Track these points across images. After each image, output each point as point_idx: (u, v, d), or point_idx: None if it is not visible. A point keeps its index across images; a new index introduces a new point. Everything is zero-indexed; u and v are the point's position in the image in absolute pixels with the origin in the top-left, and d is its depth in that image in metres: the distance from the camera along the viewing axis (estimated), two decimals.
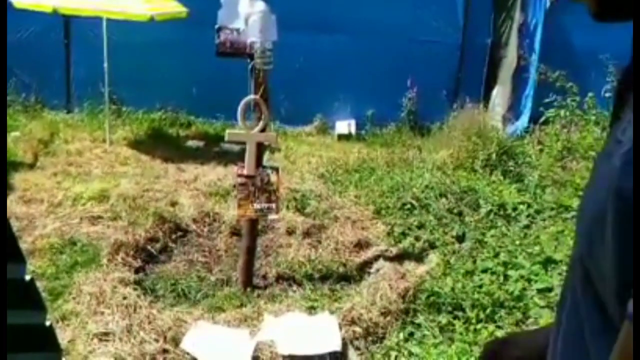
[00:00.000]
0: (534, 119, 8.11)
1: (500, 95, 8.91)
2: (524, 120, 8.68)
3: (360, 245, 4.55)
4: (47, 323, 2.51)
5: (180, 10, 6.67)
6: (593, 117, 6.98)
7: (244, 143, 3.90)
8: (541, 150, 6.14)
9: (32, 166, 6.14)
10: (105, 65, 6.56)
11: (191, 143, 7.47)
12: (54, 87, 7.86)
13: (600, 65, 7.18)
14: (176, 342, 3.19)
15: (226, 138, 3.91)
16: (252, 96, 3.76)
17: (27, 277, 2.22)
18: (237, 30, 3.74)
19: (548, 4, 8.52)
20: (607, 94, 7.15)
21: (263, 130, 3.85)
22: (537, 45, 8.63)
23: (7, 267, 2.10)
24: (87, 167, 6.24)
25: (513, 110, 8.76)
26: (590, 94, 7.16)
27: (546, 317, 3.09)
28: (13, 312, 2.31)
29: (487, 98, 8.81)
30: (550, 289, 3.34)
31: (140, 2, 6.12)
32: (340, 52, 8.10)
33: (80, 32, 7.60)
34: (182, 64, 7.67)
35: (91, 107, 7.73)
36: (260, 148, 3.94)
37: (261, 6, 3.69)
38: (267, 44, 3.70)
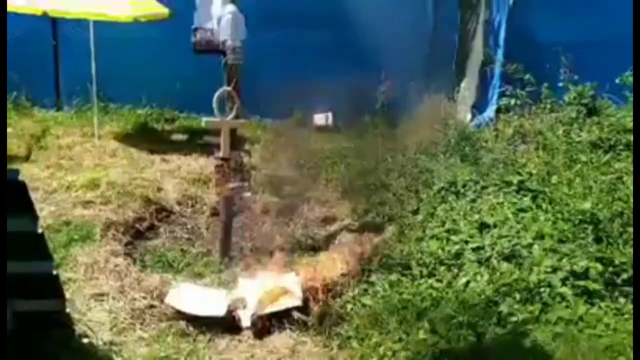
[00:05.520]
0: (500, 110, 8.64)
1: (468, 88, 9.37)
2: (490, 112, 9.16)
3: (327, 220, 5.09)
4: (54, 272, 3.03)
5: (163, 11, 7.09)
6: (549, 106, 7.59)
7: None
8: (497, 136, 6.71)
9: (26, 159, 6.56)
10: (93, 64, 6.97)
11: (175, 136, 7.89)
12: (43, 86, 8.19)
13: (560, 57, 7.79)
14: (162, 299, 3.71)
15: (203, 125, 4.42)
16: (225, 88, 4.27)
17: (39, 231, 2.73)
18: (211, 30, 4.25)
19: (511, 1, 9.03)
20: (561, 84, 7.78)
21: (236, 117, 4.36)
22: (501, 40, 9.08)
23: (23, 221, 2.61)
24: (78, 160, 6.65)
25: (480, 102, 9.22)
26: (545, 85, 7.75)
27: (474, 270, 3.65)
28: (25, 263, 2.83)
29: (457, 90, 9.27)
30: (482, 248, 3.90)
31: (125, 4, 6.57)
32: (317, 47, 8.45)
33: (67, 34, 7.97)
34: (166, 62, 8.05)
35: (80, 104, 8.09)
36: (234, 134, 4.45)
37: (231, 8, 4.19)
38: (237, 42, 4.21)
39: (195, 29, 4.24)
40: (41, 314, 3.24)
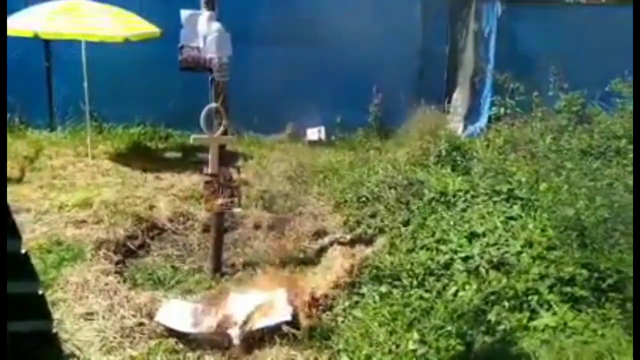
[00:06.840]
0: (491, 119, 8.72)
1: (460, 98, 9.45)
2: (482, 121, 9.23)
3: (319, 234, 5.10)
4: (40, 292, 3.02)
5: (154, 30, 7.18)
6: (539, 114, 7.65)
7: None
8: (488, 146, 6.75)
9: (19, 180, 6.58)
10: (85, 84, 7.03)
11: (169, 154, 7.93)
12: (36, 107, 8.26)
13: (549, 67, 7.89)
14: (151, 316, 3.70)
15: (192, 142, 4.45)
16: (213, 104, 4.31)
17: (23, 251, 2.74)
18: (197, 48, 4.29)
19: (500, 12, 9.14)
20: (550, 93, 7.86)
21: (224, 133, 4.39)
22: (491, 51, 9.19)
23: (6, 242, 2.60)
24: (71, 180, 6.68)
25: (473, 112, 9.30)
26: (535, 93, 7.82)
27: (463, 279, 3.66)
28: (9, 283, 2.82)
29: (448, 101, 9.34)
30: (471, 257, 3.91)
31: (116, 25, 6.65)
32: (309, 63, 8.53)
33: (60, 55, 8.06)
34: (158, 80, 8.12)
35: (73, 124, 8.15)
36: (223, 150, 4.48)
37: (217, 26, 4.25)
38: (223, 59, 4.26)
39: (182, 47, 4.29)
40: (27, 334, 3.22)
